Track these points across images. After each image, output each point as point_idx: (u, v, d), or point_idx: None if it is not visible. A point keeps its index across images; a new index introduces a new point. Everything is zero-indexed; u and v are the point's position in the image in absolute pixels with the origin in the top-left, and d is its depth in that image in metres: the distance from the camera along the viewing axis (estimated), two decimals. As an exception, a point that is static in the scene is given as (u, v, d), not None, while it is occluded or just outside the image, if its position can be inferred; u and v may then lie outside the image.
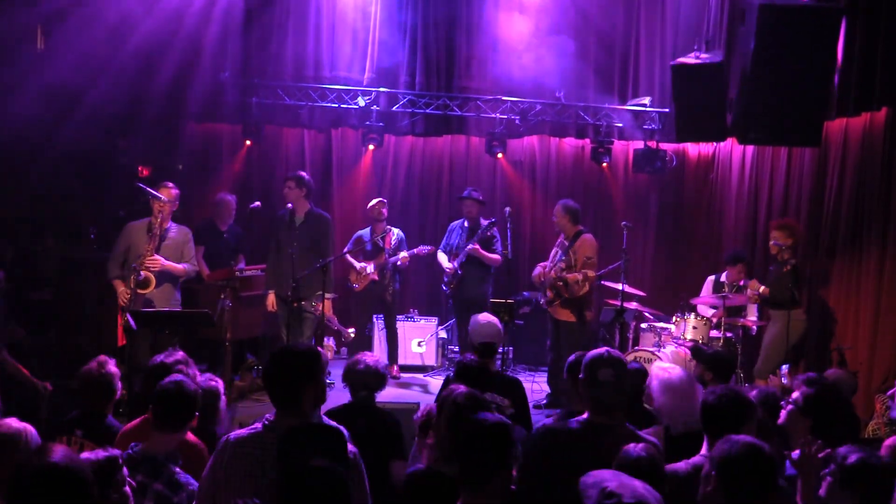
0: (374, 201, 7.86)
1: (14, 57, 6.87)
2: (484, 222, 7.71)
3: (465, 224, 7.91)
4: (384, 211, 7.82)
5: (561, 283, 6.94)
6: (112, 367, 3.78)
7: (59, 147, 7.19)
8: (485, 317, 4.95)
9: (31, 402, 5.55)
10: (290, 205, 6.87)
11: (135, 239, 6.13)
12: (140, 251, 6.04)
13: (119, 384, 3.84)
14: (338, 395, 4.67)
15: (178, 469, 3.00)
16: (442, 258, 7.93)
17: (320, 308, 6.72)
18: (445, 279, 7.86)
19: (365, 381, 4.01)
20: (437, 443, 3.32)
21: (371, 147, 8.62)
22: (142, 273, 5.99)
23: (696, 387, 3.76)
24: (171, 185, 6.32)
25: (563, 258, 7.05)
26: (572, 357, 3.66)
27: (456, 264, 7.71)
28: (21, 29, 6.96)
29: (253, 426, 2.87)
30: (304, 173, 7.14)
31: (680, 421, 3.59)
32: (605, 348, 3.15)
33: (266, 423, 2.83)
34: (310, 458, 2.31)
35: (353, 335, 8.08)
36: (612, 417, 3.03)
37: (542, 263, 7.31)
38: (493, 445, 2.56)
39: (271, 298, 6.86)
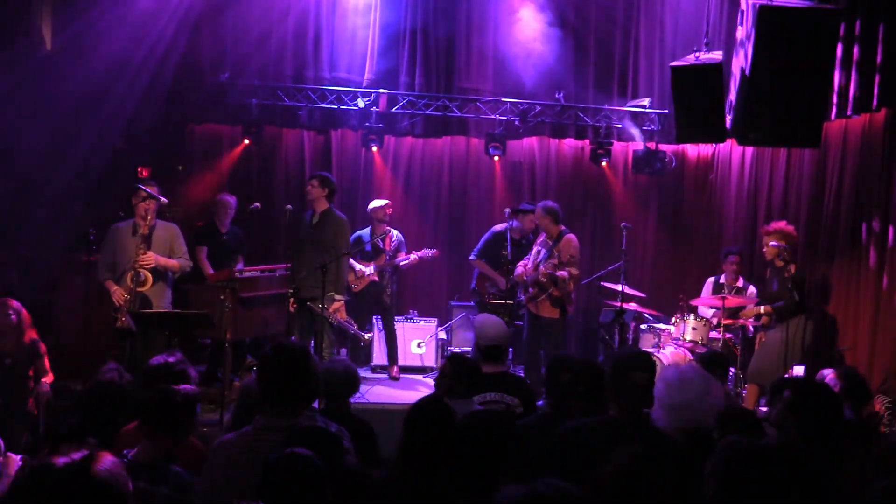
0: (381, 202, 7.80)
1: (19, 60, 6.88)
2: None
3: (515, 237, 7.66)
4: (389, 212, 7.80)
5: (548, 280, 6.99)
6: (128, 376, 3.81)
7: (58, 148, 7.19)
8: (486, 317, 4.72)
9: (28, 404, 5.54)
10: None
11: (121, 241, 6.09)
12: (128, 252, 5.99)
13: None
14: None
15: (179, 468, 2.90)
16: (487, 269, 7.79)
17: (330, 311, 6.65)
18: (494, 290, 7.81)
19: (335, 389, 3.89)
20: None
21: (375, 149, 8.62)
22: (140, 273, 5.98)
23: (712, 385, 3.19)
24: (152, 181, 6.32)
25: (548, 256, 7.10)
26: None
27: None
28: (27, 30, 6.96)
29: (243, 430, 2.90)
30: (329, 174, 7.09)
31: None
32: (636, 349, 3.16)
33: (256, 424, 2.86)
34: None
35: (369, 338, 7.86)
36: (636, 417, 3.07)
37: (521, 262, 7.37)
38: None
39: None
